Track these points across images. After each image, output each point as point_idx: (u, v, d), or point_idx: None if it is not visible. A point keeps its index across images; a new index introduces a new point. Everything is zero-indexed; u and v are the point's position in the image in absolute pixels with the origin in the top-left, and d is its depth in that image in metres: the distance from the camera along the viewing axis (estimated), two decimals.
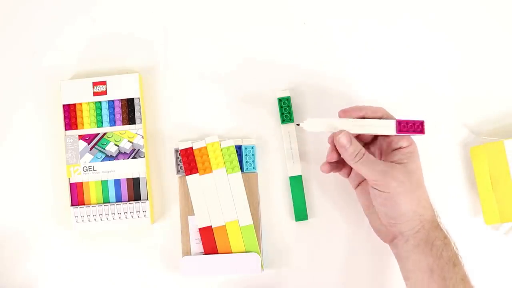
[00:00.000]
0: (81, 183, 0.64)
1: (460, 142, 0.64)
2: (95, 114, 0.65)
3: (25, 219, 0.66)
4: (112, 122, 0.65)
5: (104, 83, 0.65)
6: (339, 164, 0.59)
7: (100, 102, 0.65)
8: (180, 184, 0.63)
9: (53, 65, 0.67)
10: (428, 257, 0.51)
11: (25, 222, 0.66)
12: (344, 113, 0.56)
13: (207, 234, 0.62)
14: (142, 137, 0.64)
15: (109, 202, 0.64)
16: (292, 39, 0.66)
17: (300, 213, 0.63)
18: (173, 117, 0.66)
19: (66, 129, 0.65)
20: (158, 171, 0.65)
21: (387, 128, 0.55)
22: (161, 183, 0.65)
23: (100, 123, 0.65)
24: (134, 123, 0.64)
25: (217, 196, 0.62)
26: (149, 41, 0.67)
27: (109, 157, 0.64)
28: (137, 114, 0.64)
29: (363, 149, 0.54)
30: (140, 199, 0.64)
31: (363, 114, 0.55)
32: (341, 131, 0.54)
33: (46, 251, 0.65)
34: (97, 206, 0.64)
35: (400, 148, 0.55)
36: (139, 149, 0.64)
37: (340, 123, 0.55)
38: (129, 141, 0.64)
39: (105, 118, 0.65)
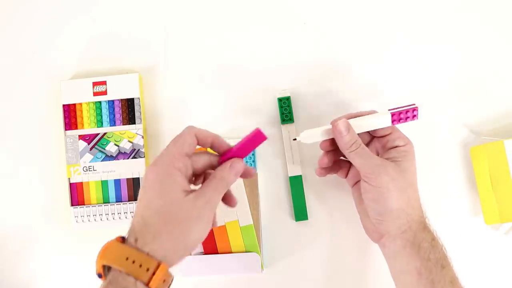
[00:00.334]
0: (81, 183, 0.64)
1: (460, 142, 0.64)
2: (95, 114, 0.65)
3: (25, 219, 0.66)
4: (112, 122, 0.65)
5: (104, 83, 0.65)
6: (334, 166, 0.59)
7: (100, 102, 0.65)
8: None
9: (53, 65, 0.67)
10: (416, 260, 0.51)
11: (25, 222, 0.66)
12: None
13: None
14: (142, 137, 0.64)
15: (109, 202, 0.64)
16: (292, 39, 0.66)
17: (300, 213, 0.63)
18: (173, 117, 0.66)
19: (66, 129, 0.65)
20: None
21: (383, 122, 0.55)
22: None
23: (100, 123, 0.65)
24: (134, 123, 0.64)
25: None
26: (149, 41, 0.67)
27: (109, 157, 0.64)
28: (137, 114, 0.64)
29: (360, 140, 0.54)
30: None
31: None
32: (340, 118, 0.54)
33: (46, 251, 0.65)
34: (97, 206, 0.64)
35: (396, 146, 0.55)
36: (139, 149, 0.64)
37: None
38: (129, 141, 0.64)
39: (105, 118, 0.65)
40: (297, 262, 0.63)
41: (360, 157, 0.53)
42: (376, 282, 0.63)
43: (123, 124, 0.64)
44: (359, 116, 0.56)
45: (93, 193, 0.64)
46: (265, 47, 0.66)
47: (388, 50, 0.65)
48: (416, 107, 0.54)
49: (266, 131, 0.64)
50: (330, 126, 0.55)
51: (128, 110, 0.64)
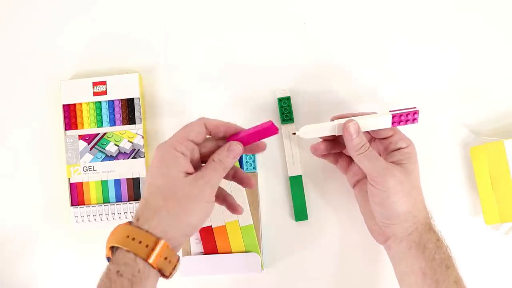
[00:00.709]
0: (81, 183, 0.64)
1: (460, 142, 0.64)
2: (95, 114, 0.65)
3: (25, 219, 0.66)
4: (112, 122, 0.65)
5: (104, 83, 0.65)
6: (334, 156, 0.59)
7: (100, 102, 0.65)
8: None
9: (53, 65, 0.67)
10: (421, 260, 0.51)
11: (25, 222, 0.65)
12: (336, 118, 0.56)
13: (207, 234, 0.62)
14: (142, 137, 0.64)
15: (109, 202, 0.64)
16: (292, 39, 0.66)
17: (300, 213, 0.63)
18: (173, 117, 0.66)
19: (66, 129, 0.65)
20: None
21: (383, 122, 0.55)
22: None
23: (100, 123, 0.65)
24: (134, 123, 0.64)
25: None
26: (149, 41, 0.67)
27: (109, 157, 0.64)
28: (137, 114, 0.64)
29: (368, 144, 0.54)
30: (140, 199, 0.63)
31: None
32: (351, 119, 0.54)
33: (46, 251, 0.65)
34: (97, 206, 0.64)
35: (399, 149, 0.55)
36: (139, 149, 0.64)
37: (336, 124, 0.55)
38: (129, 141, 0.64)
39: (105, 118, 0.65)
40: (297, 262, 0.63)
41: (369, 160, 0.53)
42: (377, 282, 0.63)
43: (123, 124, 0.64)
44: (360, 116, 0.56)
45: (93, 193, 0.64)
46: (265, 47, 0.66)
47: (388, 50, 0.65)
48: (417, 110, 0.54)
49: None
50: (330, 122, 0.55)
51: (128, 110, 0.64)
